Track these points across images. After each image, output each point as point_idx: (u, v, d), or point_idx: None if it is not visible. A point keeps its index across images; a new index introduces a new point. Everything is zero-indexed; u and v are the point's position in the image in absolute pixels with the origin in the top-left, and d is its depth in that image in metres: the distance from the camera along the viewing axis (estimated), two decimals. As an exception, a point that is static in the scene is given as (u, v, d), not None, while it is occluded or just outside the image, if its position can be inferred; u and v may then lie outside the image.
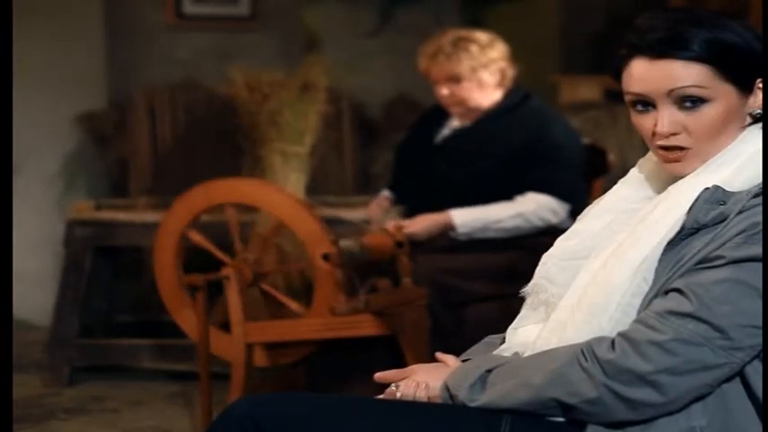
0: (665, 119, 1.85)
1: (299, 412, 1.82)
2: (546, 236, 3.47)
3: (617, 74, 1.90)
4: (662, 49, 1.83)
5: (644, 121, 1.88)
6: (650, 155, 1.99)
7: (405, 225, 3.54)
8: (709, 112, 1.84)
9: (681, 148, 1.85)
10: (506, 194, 3.67)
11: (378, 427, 1.81)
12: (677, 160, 1.86)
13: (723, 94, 1.84)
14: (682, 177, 1.89)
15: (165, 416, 3.94)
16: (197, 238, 3.53)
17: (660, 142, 1.87)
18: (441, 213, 3.64)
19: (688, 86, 1.83)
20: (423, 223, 3.61)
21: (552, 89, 6.16)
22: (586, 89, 6.05)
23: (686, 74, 1.82)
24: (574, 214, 3.63)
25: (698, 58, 1.82)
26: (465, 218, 3.63)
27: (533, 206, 3.65)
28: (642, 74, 1.85)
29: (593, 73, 6.57)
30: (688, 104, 1.84)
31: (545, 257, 1.97)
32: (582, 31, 7.35)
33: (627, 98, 1.90)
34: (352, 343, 3.38)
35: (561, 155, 3.71)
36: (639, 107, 1.88)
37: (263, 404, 1.84)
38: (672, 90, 1.83)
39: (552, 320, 1.88)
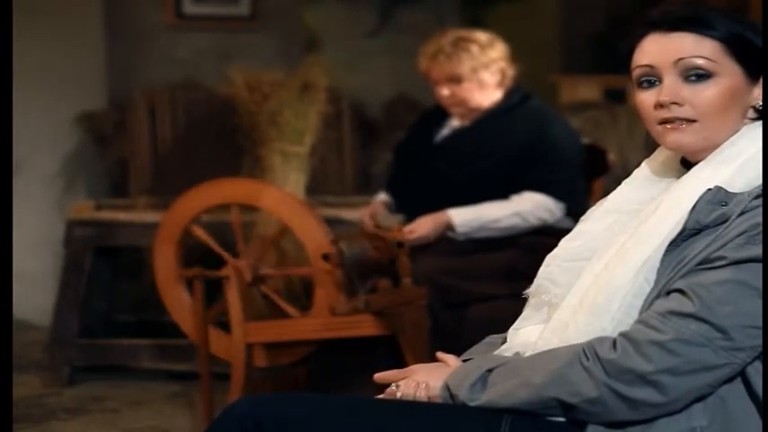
0: (668, 87, 1.86)
1: (299, 412, 1.82)
2: (545, 235, 3.48)
3: (629, 54, 1.91)
4: (678, 24, 1.86)
5: (647, 97, 1.89)
6: (655, 155, 1.99)
7: (409, 231, 3.54)
8: (712, 88, 1.85)
9: (684, 120, 1.86)
10: (506, 194, 3.67)
11: (378, 427, 1.81)
12: (678, 129, 1.86)
13: (729, 73, 1.85)
14: (684, 170, 1.89)
15: (165, 416, 3.94)
16: (199, 232, 3.53)
17: (663, 114, 1.87)
18: (439, 214, 3.63)
19: (695, 57, 1.84)
20: (427, 226, 3.61)
21: (552, 89, 6.16)
22: (586, 89, 6.05)
23: (697, 46, 1.85)
24: (571, 214, 3.64)
25: (711, 35, 1.85)
26: (463, 217, 3.63)
27: (530, 205, 3.65)
28: (653, 46, 1.88)
29: (593, 73, 6.57)
30: (693, 78, 1.85)
31: (549, 258, 1.98)
32: (582, 31, 7.36)
33: (634, 75, 1.91)
34: (352, 343, 3.38)
35: (561, 155, 3.71)
36: (645, 83, 1.89)
37: (263, 404, 1.84)
38: (679, 59, 1.85)
39: (554, 321, 1.88)
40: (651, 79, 1.88)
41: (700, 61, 1.84)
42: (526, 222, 3.65)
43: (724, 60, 1.85)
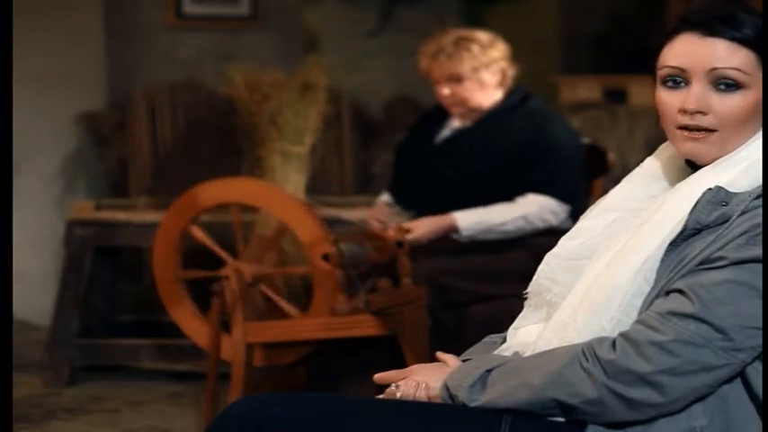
0: (696, 95, 1.84)
1: (299, 412, 1.82)
2: (545, 236, 3.47)
3: (658, 49, 1.89)
4: (713, 28, 1.83)
5: (672, 98, 1.87)
6: (658, 152, 1.98)
7: (407, 228, 3.53)
8: (740, 99, 1.83)
9: (704, 130, 1.85)
10: (506, 195, 3.67)
11: (378, 427, 1.81)
12: (697, 139, 1.85)
13: (758, 84, 1.84)
14: (689, 170, 1.88)
15: (165, 416, 3.94)
16: (198, 234, 3.53)
17: (684, 121, 1.85)
18: (443, 216, 3.63)
19: (730, 68, 1.83)
20: (425, 228, 3.60)
21: (552, 89, 6.15)
22: (586, 89, 6.05)
23: (731, 55, 1.83)
24: (573, 215, 3.64)
25: (746, 42, 1.83)
26: (468, 221, 3.62)
27: (535, 208, 3.65)
28: (687, 48, 1.85)
29: (593, 73, 6.57)
30: (722, 87, 1.84)
31: (548, 257, 1.97)
32: (582, 31, 7.36)
33: (661, 72, 1.88)
34: (352, 343, 3.38)
35: (561, 155, 3.71)
36: (670, 83, 1.87)
37: (263, 404, 1.84)
38: (713, 69, 1.83)
39: (554, 320, 1.88)
40: (678, 80, 1.86)
41: (733, 73, 1.83)
42: (531, 225, 3.65)
43: (755, 72, 1.83)
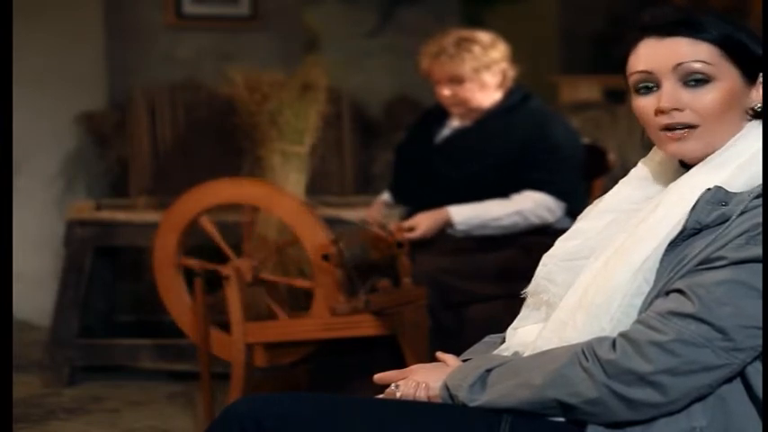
0: (668, 93, 1.85)
1: (299, 412, 1.82)
2: (545, 235, 3.48)
3: (624, 61, 1.91)
4: (671, 29, 1.85)
5: (646, 103, 1.88)
6: (652, 154, 1.99)
7: (408, 226, 3.54)
8: (712, 91, 1.84)
9: (686, 126, 1.85)
10: (506, 194, 3.68)
11: (378, 427, 1.81)
12: (680, 138, 1.86)
13: (727, 76, 1.85)
14: (683, 170, 1.89)
15: (165, 416, 3.94)
16: (208, 226, 3.52)
17: (664, 120, 1.86)
18: (439, 210, 3.64)
19: (694, 61, 1.84)
20: (425, 224, 3.61)
21: (552, 89, 6.16)
22: (586, 89, 6.06)
23: (693, 50, 1.85)
24: (570, 213, 3.64)
25: (706, 38, 1.84)
26: (463, 215, 3.64)
27: (531, 204, 3.66)
28: (649, 52, 1.87)
29: (593, 73, 6.58)
30: (692, 83, 1.85)
31: (546, 258, 1.97)
32: (582, 31, 7.37)
33: (631, 81, 1.90)
34: (353, 343, 3.38)
35: (560, 155, 3.71)
36: (643, 89, 1.88)
37: (263, 404, 1.84)
38: (678, 65, 1.84)
39: (553, 320, 1.88)
40: (649, 85, 1.88)
41: (699, 66, 1.84)
42: (527, 221, 3.66)
43: (721, 63, 1.85)
